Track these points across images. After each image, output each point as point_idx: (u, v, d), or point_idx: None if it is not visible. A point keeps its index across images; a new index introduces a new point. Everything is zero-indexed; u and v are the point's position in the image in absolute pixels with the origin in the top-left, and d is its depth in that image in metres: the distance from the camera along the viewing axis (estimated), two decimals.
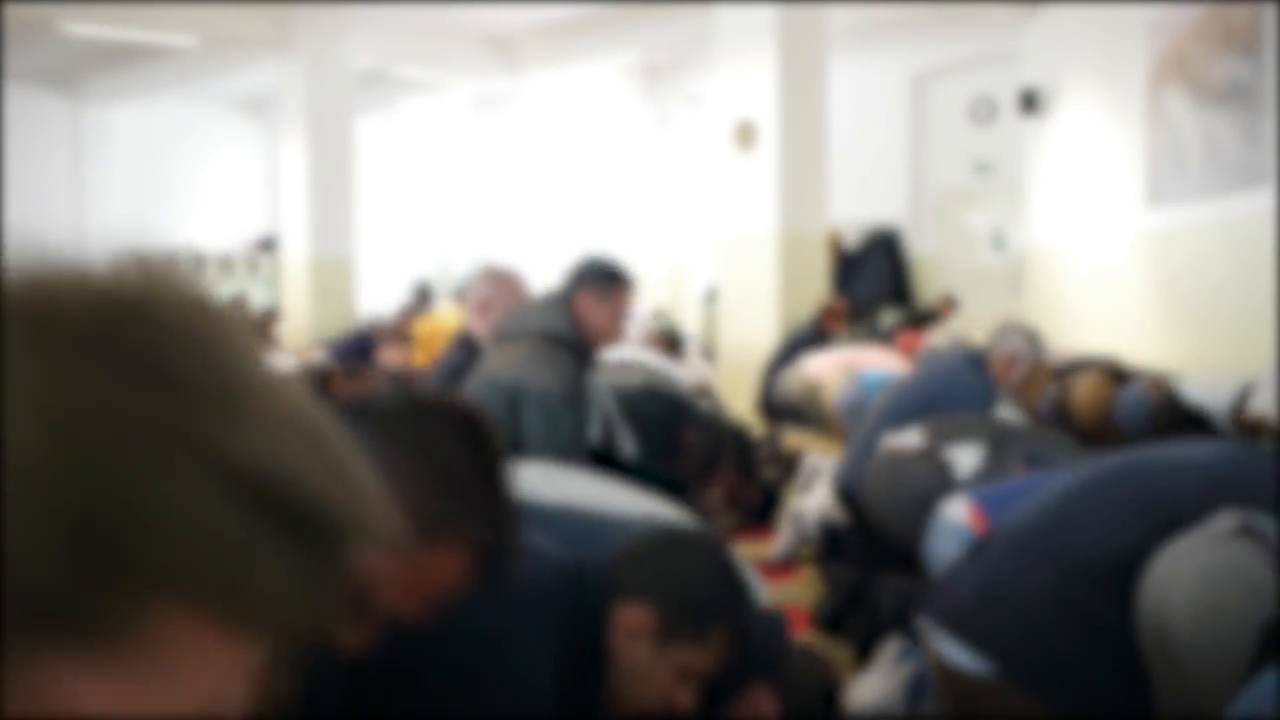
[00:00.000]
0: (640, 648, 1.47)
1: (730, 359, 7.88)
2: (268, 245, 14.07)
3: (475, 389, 3.04)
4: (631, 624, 1.47)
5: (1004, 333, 4.08)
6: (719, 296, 8.40)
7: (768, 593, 4.00)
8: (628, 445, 3.25)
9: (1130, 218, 8.15)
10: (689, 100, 14.36)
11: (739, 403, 7.37)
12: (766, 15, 7.65)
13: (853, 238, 11.49)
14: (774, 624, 2.05)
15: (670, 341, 6.55)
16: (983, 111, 11.59)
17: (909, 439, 3.30)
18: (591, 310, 3.08)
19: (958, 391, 3.83)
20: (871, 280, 11.08)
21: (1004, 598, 2.11)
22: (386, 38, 11.30)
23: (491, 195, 14.74)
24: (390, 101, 13.60)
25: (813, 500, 4.07)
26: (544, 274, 11.97)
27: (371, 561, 0.96)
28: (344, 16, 10.51)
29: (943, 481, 3.03)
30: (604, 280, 3.14)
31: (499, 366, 3.03)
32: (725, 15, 7.96)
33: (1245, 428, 2.26)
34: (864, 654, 2.94)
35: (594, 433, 3.16)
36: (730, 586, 1.54)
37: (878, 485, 3.33)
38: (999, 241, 11.54)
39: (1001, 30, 10.40)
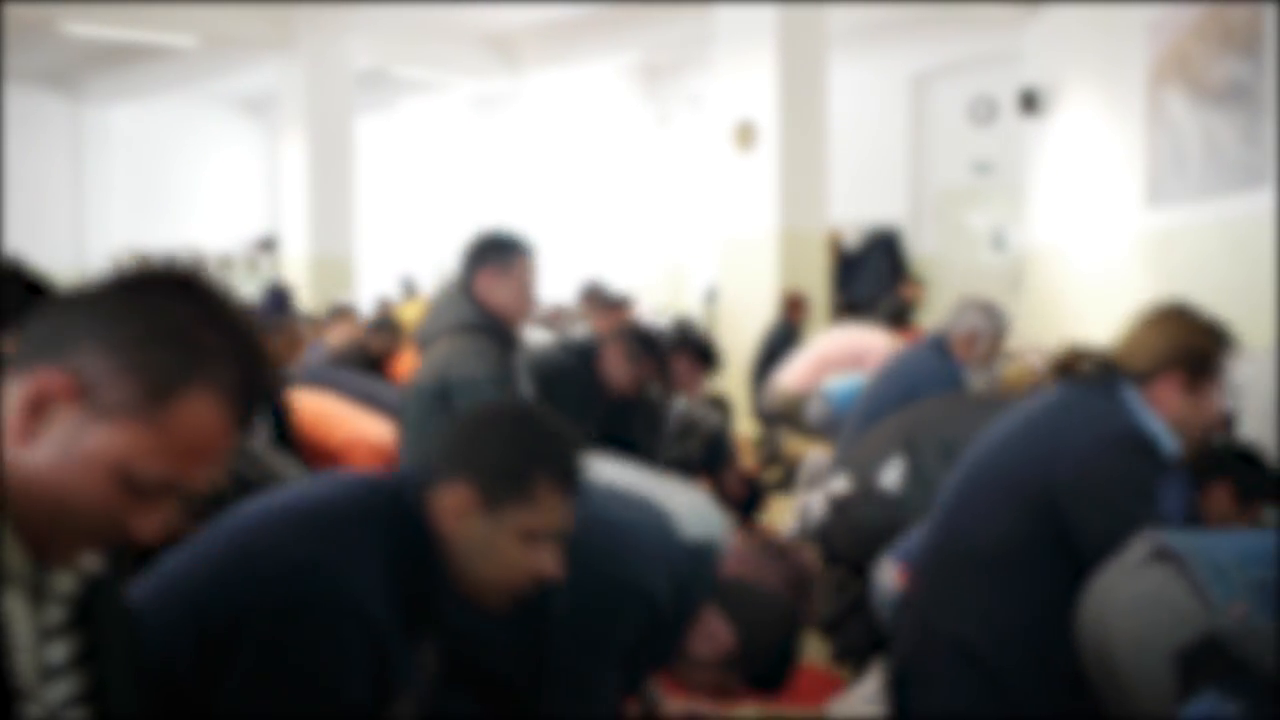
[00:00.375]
0: (472, 524, 1.46)
1: (731, 358, 7.87)
2: (268, 245, 14.07)
3: (408, 401, 2.98)
4: (453, 504, 1.46)
5: (961, 311, 4.04)
6: (719, 296, 8.40)
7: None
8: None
9: (1130, 218, 8.15)
10: (689, 100, 14.36)
11: (739, 402, 7.37)
12: (766, 15, 7.65)
13: (853, 237, 11.49)
14: (704, 555, 2.05)
15: (610, 306, 6.35)
16: (983, 111, 11.59)
17: (839, 484, 3.26)
18: (495, 287, 2.94)
19: (925, 380, 3.80)
20: (871, 280, 11.08)
21: (909, 668, 2.16)
22: (386, 38, 11.30)
23: (491, 195, 14.74)
24: (390, 101, 13.59)
25: (817, 497, 4.07)
26: (544, 273, 11.92)
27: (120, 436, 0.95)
28: (344, 16, 10.52)
29: (891, 507, 3.02)
30: (500, 253, 2.99)
31: (423, 372, 2.94)
32: (725, 15, 7.97)
33: (1061, 367, 2.23)
34: (861, 661, 2.93)
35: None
36: (541, 439, 1.52)
37: (840, 537, 3.27)
38: (999, 241, 11.54)
39: (1001, 30, 10.40)
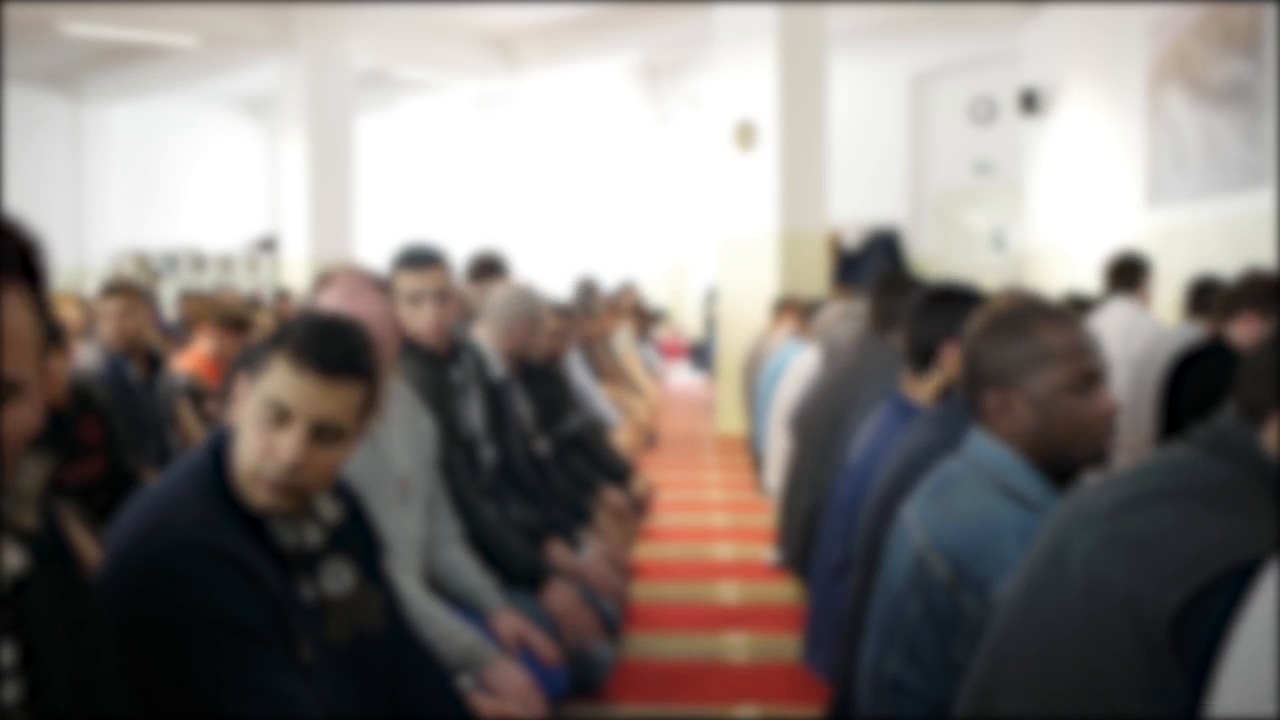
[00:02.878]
0: (244, 410, 1.48)
1: (731, 357, 7.88)
2: (268, 245, 14.07)
3: None
4: (237, 395, 1.50)
5: (836, 324, 4.09)
6: (719, 295, 8.40)
7: (763, 591, 4.00)
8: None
9: (1130, 218, 8.15)
10: (689, 100, 14.37)
11: (739, 401, 7.37)
12: (766, 15, 7.66)
13: (853, 237, 11.50)
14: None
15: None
16: (983, 111, 11.60)
17: None
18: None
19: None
20: (872, 280, 11.09)
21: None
22: (386, 38, 11.30)
23: (492, 195, 14.75)
24: (391, 101, 13.60)
25: None
26: (544, 274, 11.98)
27: None
28: (344, 16, 10.51)
29: None
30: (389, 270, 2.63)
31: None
32: (725, 15, 7.97)
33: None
34: None
35: (474, 419, 2.86)
36: (298, 322, 1.52)
37: None
38: (999, 241, 11.55)
39: (1001, 30, 10.40)
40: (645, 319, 11.70)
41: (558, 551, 2.82)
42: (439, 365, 2.73)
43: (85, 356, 3.83)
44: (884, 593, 1.76)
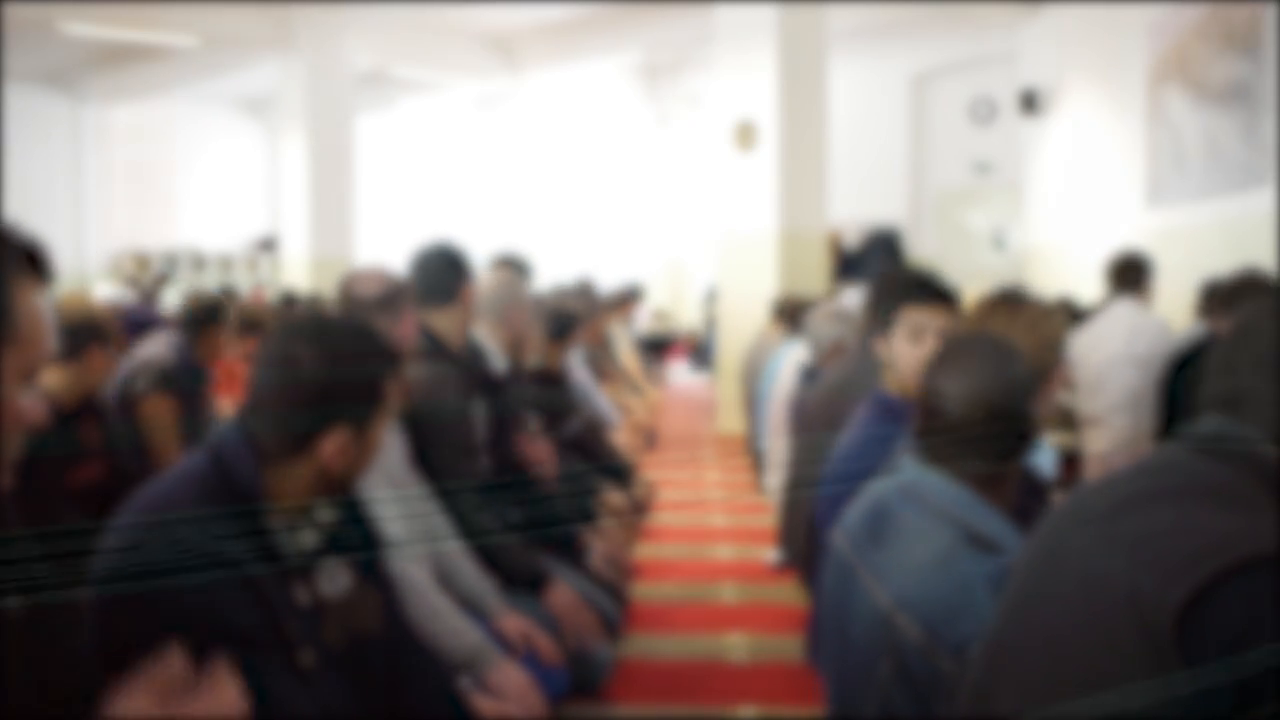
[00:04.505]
0: (342, 460, 1.51)
1: (731, 357, 7.88)
2: (268, 245, 14.07)
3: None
4: (333, 449, 1.50)
5: (820, 323, 4.06)
6: (719, 296, 8.40)
7: (766, 593, 4.00)
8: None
9: (1130, 218, 8.15)
10: (689, 100, 14.36)
11: (739, 401, 7.37)
12: (766, 15, 7.65)
13: (853, 237, 11.50)
14: None
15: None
16: (983, 111, 11.60)
17: None
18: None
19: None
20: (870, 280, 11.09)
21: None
22: (386, 38, 11.31)
23: (492, 195, 14.75)
24: (391, 101, 13.60)
25: None
26: (543, 274, 11.99)
27: None
28: (344, 16, 10.52)
29: None
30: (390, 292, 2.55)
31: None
32: (725, 15, 7.97)
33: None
34: None
35: (479, 424, 2.86)
36: (360, 352, 1.54)
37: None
38: (999, 241, 11.55)
39: (1001, 30, 10.40)
40: (658, 348, 11.63)
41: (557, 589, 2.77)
42: (465, 366, 2.74)
43: (153, 347, 3.87)
44: (846, 647, 1.65)
